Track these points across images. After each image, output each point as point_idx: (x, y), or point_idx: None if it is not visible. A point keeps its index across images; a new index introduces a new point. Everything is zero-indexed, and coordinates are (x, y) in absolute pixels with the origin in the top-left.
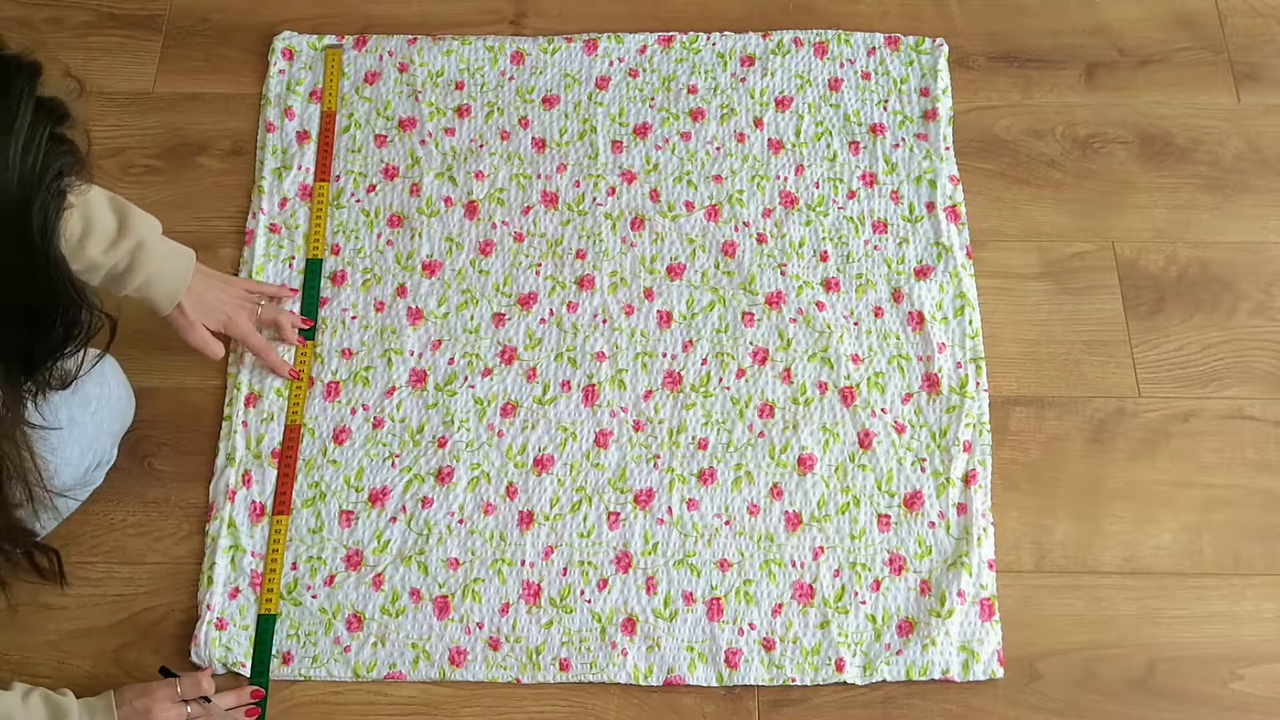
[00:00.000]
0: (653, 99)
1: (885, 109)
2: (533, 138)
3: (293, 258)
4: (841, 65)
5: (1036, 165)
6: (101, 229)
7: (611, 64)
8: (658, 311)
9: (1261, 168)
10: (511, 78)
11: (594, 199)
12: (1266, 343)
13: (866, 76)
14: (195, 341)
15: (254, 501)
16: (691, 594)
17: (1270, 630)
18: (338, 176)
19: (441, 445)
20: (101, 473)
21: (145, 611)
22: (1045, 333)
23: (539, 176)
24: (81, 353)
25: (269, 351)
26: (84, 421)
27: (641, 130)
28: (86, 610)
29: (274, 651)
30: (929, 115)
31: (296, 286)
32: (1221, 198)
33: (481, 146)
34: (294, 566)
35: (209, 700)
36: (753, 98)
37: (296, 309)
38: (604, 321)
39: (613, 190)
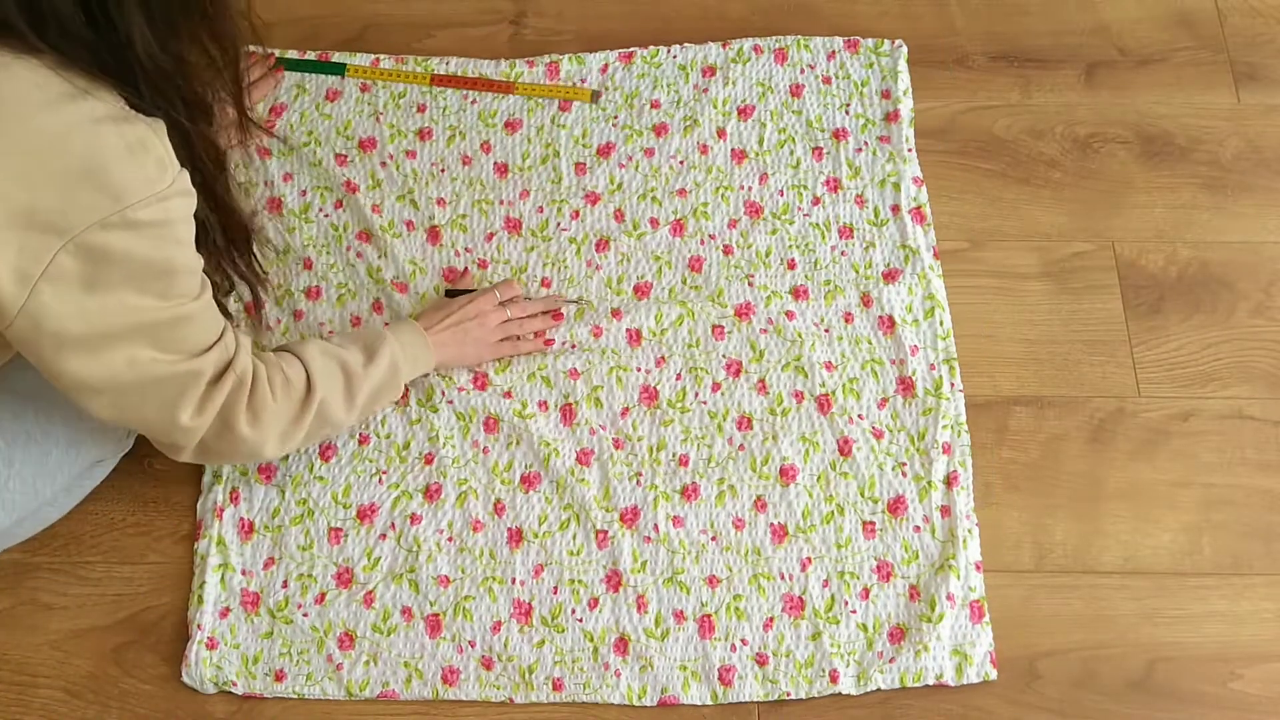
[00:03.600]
0: (615, 117)
1: (847, 113)
2: (495, 162)
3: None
4: (802, 71)
5: (1036, 165)
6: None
7: (574, 85)
8: (626, 330)
9: (1261, 167)
10: (474, 101)
11: (558, 224)
12: (1266, 342)
13: (827, 81)
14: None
15: (242, 518)
16: (682, 612)
17: (1270, 630)
18: (304, 191)
19: (429, 462)
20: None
21: (145, 611)
22: (1045, 333)
23: (501, 202)
24: None
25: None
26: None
27: (605, 150)
28: (86, 610)
29: (267, 669)
30: (891, 117)
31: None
32: (1221, 198)
33: (443, 171)
34: (284, 584)
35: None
36: (715, 108)
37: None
38: (572, 347)
39: (576, 214)
